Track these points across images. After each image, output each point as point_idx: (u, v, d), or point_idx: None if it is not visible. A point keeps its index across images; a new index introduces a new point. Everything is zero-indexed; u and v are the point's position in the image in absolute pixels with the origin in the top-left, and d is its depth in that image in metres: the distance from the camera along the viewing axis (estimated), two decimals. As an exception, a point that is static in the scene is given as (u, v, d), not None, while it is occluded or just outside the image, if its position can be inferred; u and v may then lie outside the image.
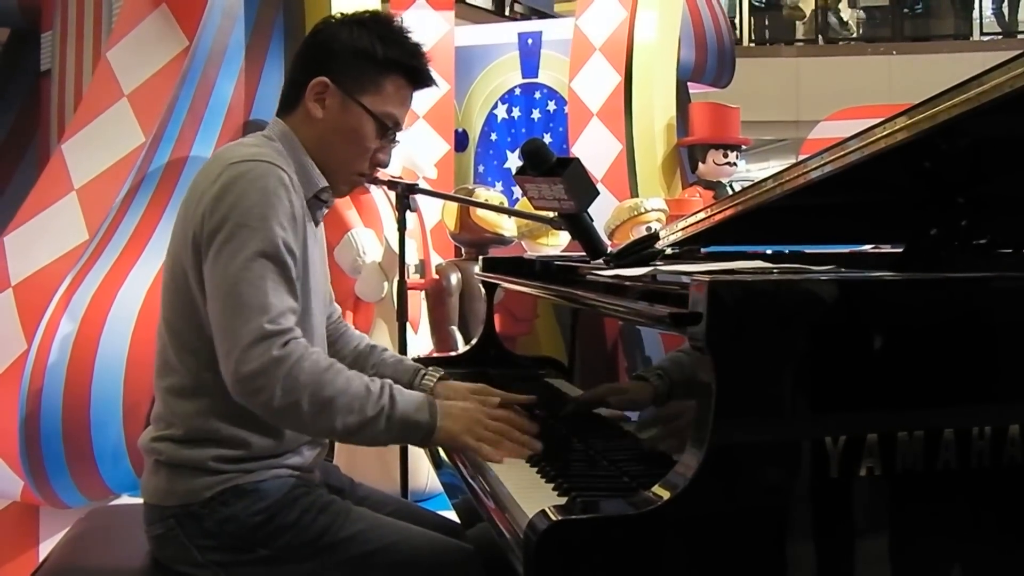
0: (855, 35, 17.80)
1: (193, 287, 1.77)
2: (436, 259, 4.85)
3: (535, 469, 1.68)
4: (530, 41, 7.31)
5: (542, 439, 1.79)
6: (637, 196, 6.34)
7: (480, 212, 4.82)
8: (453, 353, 2.79)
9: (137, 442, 1.90)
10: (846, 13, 17.81)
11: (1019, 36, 16.56)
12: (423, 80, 1.95)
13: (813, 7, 17.47)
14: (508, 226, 4.98)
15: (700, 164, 7.07)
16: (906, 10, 17.63)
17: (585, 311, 2.02)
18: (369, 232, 4.25)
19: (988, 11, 17.51)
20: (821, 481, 1.33)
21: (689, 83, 7.84)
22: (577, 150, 6.74)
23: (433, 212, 5.33)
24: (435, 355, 3.25)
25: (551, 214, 2.09)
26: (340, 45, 1.87)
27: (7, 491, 3.16)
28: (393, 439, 1.77)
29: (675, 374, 1.55)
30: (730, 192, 6.80)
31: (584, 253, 2.13)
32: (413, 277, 4.41)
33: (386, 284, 4.20)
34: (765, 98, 13.89)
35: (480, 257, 2.95)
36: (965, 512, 1.41)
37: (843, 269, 1.75)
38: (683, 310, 1.38)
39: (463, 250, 5.17)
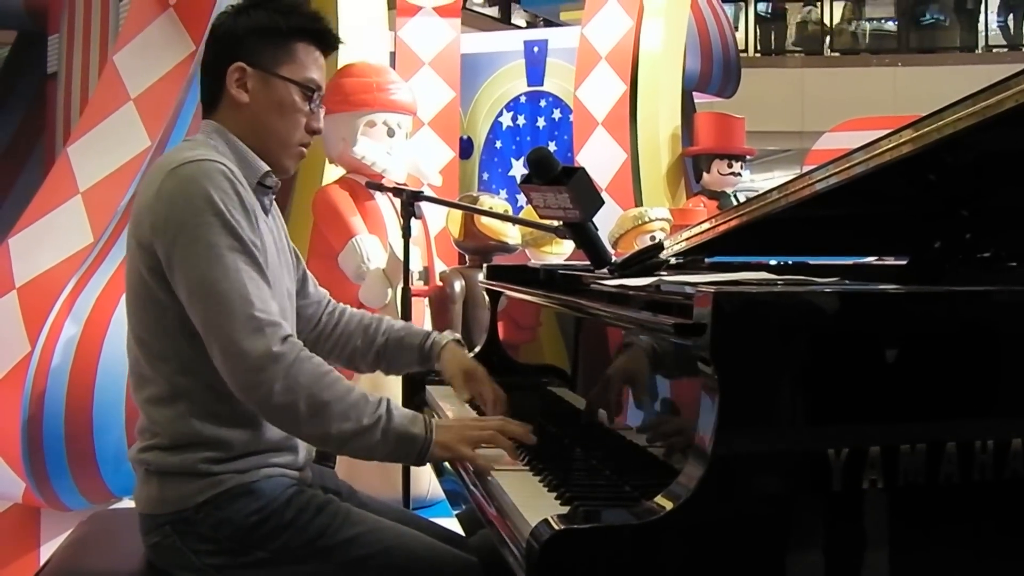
0: (861, 46, 17.83)
1: (157, 293, 1.78)
2: (440, 266, 4.85)
3: (538, 478, 1.69)
4: (536, 49, 7.32)
5: (545, 447, 1.79)
6: (641, 205, 6.34)
7: (484, 220, 4.82)
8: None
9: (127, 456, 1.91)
10: (852, 25, 17.85)
11: (1024, 49, 16.60)
12: (329, 42, 1.98)
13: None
14: (512, 234, 4.99)
15: (705, 174, 7.07)
16: (912, 22, 17.65)
17: (588, 320, 2.03)
18: (373, 239, 4.26)
19: (993, 24, 17.54)
20: (823, 493, 1.33)
21: (694, 93, 7.85)
22: (582, 158, 6.74)
23: (437, 219, 5.33)
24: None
25: (556, 223, 2.09)
26: (244, 30, 1.90)
27: (8, 493, 3.16)
28: (388, 452, 1.75)
29: (678, 384, 1.55)
30: (734, 202, 6.82)
31: (588, 262, 2.13)
32: (417, 284, 4.41)
33: (390, 291, 4.21)
34: (770, 108, 13.92)
35: (484, 264, 2.95)
36: (967, 526, 1.40)
37: (847, 281, 1.75)
38: (687, 321, 1.38)
39: (467, 257, 5.18)
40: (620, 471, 1.66)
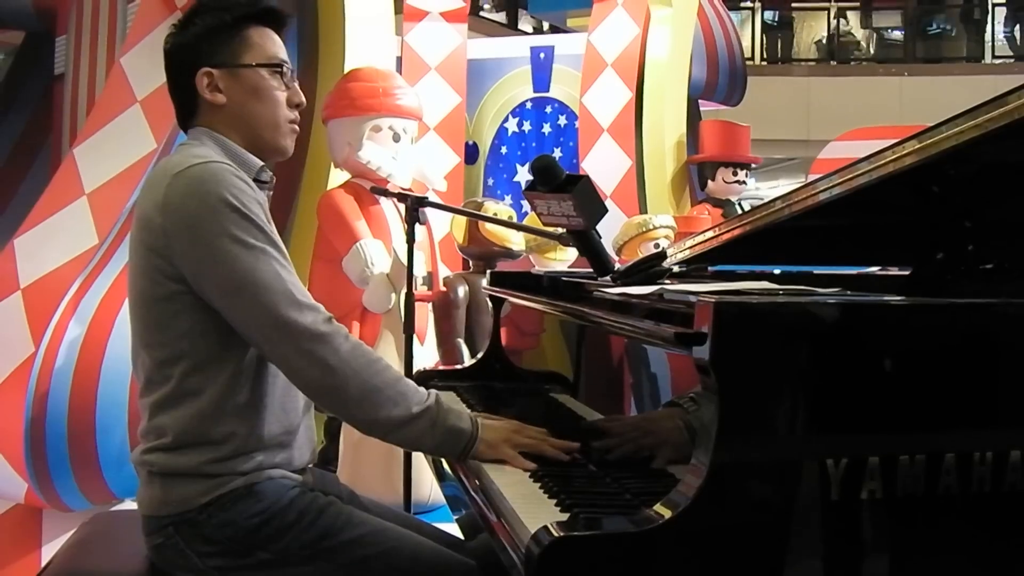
0: (867, 55, 17.83)
1: (168, 295, 1.77)
2: (444, 271, 4.85)
3: (538, 484, 1.69)
4: (542, 55, 7.32)
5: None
6: (646, 212, 6.34)
7: (489, 226, 4.82)
8: (459, 366, 2.80)
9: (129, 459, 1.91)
10: (859, 33, 17.84)
11: (1030, 60, 16.59)
12: (277, 19, 1.99)
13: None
14: (516, 240, 4.98)
15: (709, 182, 7.07)
16: (919, 32, 17.65)
17: (591, 327, 2.03)
18: (378, 243, 4.26)
19: (1000, 34, 17.53)
20: (822, 503, 1.33)
21: (700, 100, 7.85)
22: (587, 165, 6.74)
23: (442, 224, 5.34)
24: (441, 368, 3.26)
25: (559, 230, 2.09)
26: (195, 38, 1.91)
27: (11, 493, 3.16)
28: (435, 444, 1.79)
29: (678, 392, 1.56)
30: (739, 210, 6.81)
31: (592, 270, 2.13)
32: (420, 289, 4.42)
33: (393, 296, 4.21)
34: (776, 117, 13.91)
35: (488, 270, 2.95)
36: (965, 537, 1.41)
37: (849, 292, 1.75)
38: (688, 330, 1.38)
39: (471, 263, 5.18)
40: (620, 479, 1.66)
